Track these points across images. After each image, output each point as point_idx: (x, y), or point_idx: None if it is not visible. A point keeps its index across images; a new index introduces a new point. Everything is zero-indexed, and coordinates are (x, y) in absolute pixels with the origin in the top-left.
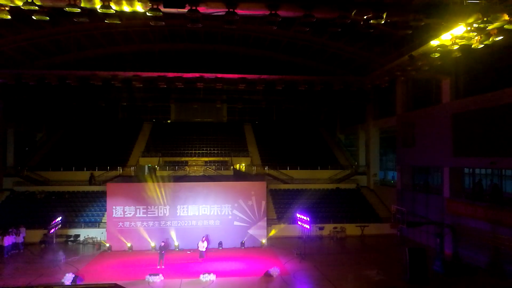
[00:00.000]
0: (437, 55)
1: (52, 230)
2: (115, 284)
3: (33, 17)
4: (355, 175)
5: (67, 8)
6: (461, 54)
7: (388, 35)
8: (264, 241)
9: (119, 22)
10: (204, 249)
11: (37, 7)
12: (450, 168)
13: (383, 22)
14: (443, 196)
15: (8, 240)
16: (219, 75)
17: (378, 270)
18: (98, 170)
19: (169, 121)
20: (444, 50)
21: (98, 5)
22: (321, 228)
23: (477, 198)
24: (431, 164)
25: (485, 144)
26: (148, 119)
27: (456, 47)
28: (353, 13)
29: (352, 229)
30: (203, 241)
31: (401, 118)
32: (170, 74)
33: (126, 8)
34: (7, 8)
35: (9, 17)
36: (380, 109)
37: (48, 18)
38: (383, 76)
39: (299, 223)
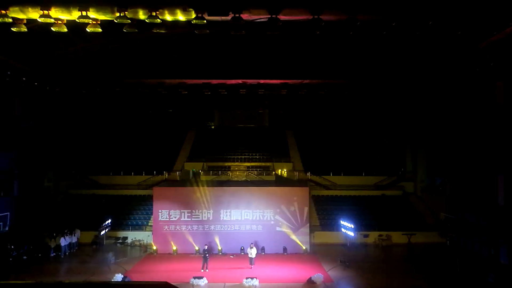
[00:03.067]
0: None
1: (102, 232)
2: (166, 282)
3: (87, 29)
4: (401, 181)
5: (117, 20)
6: None
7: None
8: (306, 247)
9: (165, 31)
10: (254, 256)
11: (90, 20)
12: (505, 174)
13: None
14: (497, 203)
15: (64, 241)
16: (262, 81)
17: (425, 280)
18: (145, 175)
19: (212, 127)
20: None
21: (145, 17)
22: (366, 236)
23: None
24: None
25: None
26: (193, 125)
27: None
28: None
29: (398, 237)
30: (251, 247)
31: None
32: (214, 81)
33: (176, 17)
34: (64, 21)
35: (65, 30)
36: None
37: (101, 30)
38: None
39: (343, 230)
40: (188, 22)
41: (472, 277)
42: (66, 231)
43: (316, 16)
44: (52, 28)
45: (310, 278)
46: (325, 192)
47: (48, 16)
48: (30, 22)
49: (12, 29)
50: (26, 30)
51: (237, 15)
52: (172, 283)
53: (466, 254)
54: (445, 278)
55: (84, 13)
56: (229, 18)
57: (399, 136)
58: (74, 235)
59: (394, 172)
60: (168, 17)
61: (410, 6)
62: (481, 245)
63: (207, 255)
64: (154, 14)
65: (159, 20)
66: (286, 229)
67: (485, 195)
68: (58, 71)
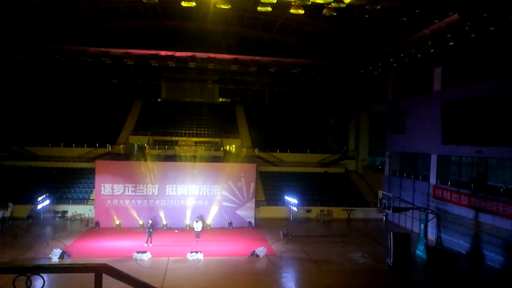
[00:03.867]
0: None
1: (40, 206)
2: (105, 264)
3: None
4: (344, 160)
5: None
6: (454, 43)
7: (383, 21)
8: (251, 221)
9: None
10: (199, 229)
11: None
12: (437, 155)
13: (378, 7)
14: (429, 182)
15: None
16: (212, 55)
17: (362, 254)
18: (87, 147)
19: (159, 100)
20: (437, 38)
21: None
22: (308, 211)
23: (462, 187)
24: (420, 151)
25: (472, 133)
26: (138, 97)
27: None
28: None
29: (339, 213)
30: (197, 221)
31: (391, 105)
32: (162, 53)
33: None
34: None
35: None
36: (371, 95)
37: None
38: (376, 62)
39: (287, 205)
40: None
41: (403, 250)
42: None
43: None
44: None
45: (254, 251)
46: (272, 169)
47: None
48: None
49: None
50: None
51: None
52: (115, 258)
53: (400, 229)
54: (380, 251)
55: None
56: None
57: (343, 116)
58: (7, 209)
59: (337, 151)
60: None
61: None
62: (413, 221)
63: (151, 230)
64: None
65: None
66: (232, 204)
67: (419, 175)
68: None
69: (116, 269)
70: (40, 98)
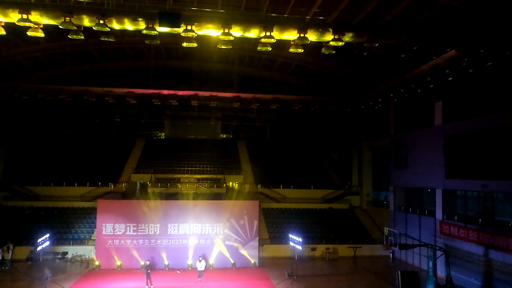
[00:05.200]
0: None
1: (40, 247)
2: None
3: (28, 33)
4: (348, 195)
5: (61, 26)
6: (453, 78)
7: (382, 58)
8: (255, 261)
9: (114, 40)
10: (202, 269)
11: (32, 24)
12: (442, 190)
13: (376, 45)
14: (435, 218)
15: None
16: (214, 93)
17: None
18: (89, 186)
19: (162, 137)
20: (436, 74)
21: (92, 24)
22: (314, 249)
23: (469, 221)
24: (424, 185)
25: (476, 166)
26: (141, 135)
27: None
28: (348, 36)
29: (344, 250)
30: (200, 261)
31: (394, 139)
32: (165, 91)
33: (128, 26)
34: (2, 24)
35: (4, 32)
36: (373, 129)
37: (43, 35)
38: (376, 97)
39: (291, 243)
40: (138, 31)
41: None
42: None
43: (267, 33)
44: None
45: None
46: (275, 205)
47: None
48: None
49: None
50: None
51: (190, 27)
52: None
53: (407, 266)
54: None
55: (24, 16)
56: (181, 30)
57: (346, 151)
58: (7, 251)
59: (341, 186)
60: (116, 26)
61: None
62: (421, 258)
63: (149, 271)
64: (102, 22)
65: (107, 29)
66: (235, 243)
67: (425, 210)
68: None
69: None
70: (43, 137)
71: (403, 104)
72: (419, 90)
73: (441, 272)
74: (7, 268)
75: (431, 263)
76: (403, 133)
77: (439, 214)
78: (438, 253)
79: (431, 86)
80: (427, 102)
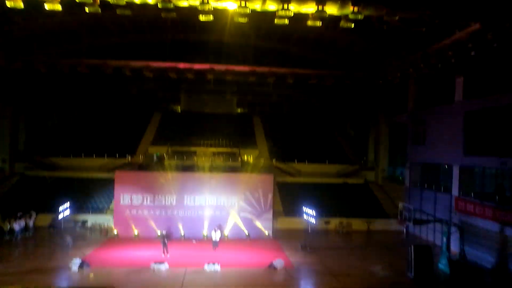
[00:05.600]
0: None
1: (61, 215)
2: (112, 286)
3: (45, 6)
4: (363, 170)
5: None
6: (476, 53)
7: (402, 32)
8: (269, 232)
9: (130, 13)
10: (218, 239)
11: None
12: (460, 166)
13: (396, 18)
14: (451, 194)
15: (17, 225)
16: (230, 67)
17: (383, 266)
18: (107, 158)
19: (178, 111)
20: (458, 48)
21: None
22: (327, 222)
23: (485, 198)
24: (441, 162)
25: (496, 144)
26: (157, 109)
27: None
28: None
29: (358, 224)
30: (215, 231)
31: (412, 116)
32: (181, 65)
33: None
34: None
35: (22, 5)
36: (391, 105)
37: (60, 8)
38: (395, 72)
39: (305, 216)
40: (156, 5)
41: (425, 263)
42: (19, 214)
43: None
44: (7, 3)
45: (272, 263)
46: (290, 179)
47: None
48: None
49: None
50: None
51: (206, 0)
52: (133, 268)
53: (421, 242)
54: (401, 264)
55: None
56: (197, 2)
57: (363, 127)
58: (30, 218)
59: (356, 161)
60: None
61: None
62: (435, 234)
63: (165, 240)
64: None
65: (124, 2)
66: (249, 215)
67: (441, 186)
68: (15, 47)
69: None
70: (63, 110)
71: (422, 80)
72: (439, 65)
73: (454, 248)
74: (30, 234)
75: (445, 239)
76: (422, 109)
77: (455, 191)
78: (453, 229)
79: (453, 61)
80: (447, 78)
